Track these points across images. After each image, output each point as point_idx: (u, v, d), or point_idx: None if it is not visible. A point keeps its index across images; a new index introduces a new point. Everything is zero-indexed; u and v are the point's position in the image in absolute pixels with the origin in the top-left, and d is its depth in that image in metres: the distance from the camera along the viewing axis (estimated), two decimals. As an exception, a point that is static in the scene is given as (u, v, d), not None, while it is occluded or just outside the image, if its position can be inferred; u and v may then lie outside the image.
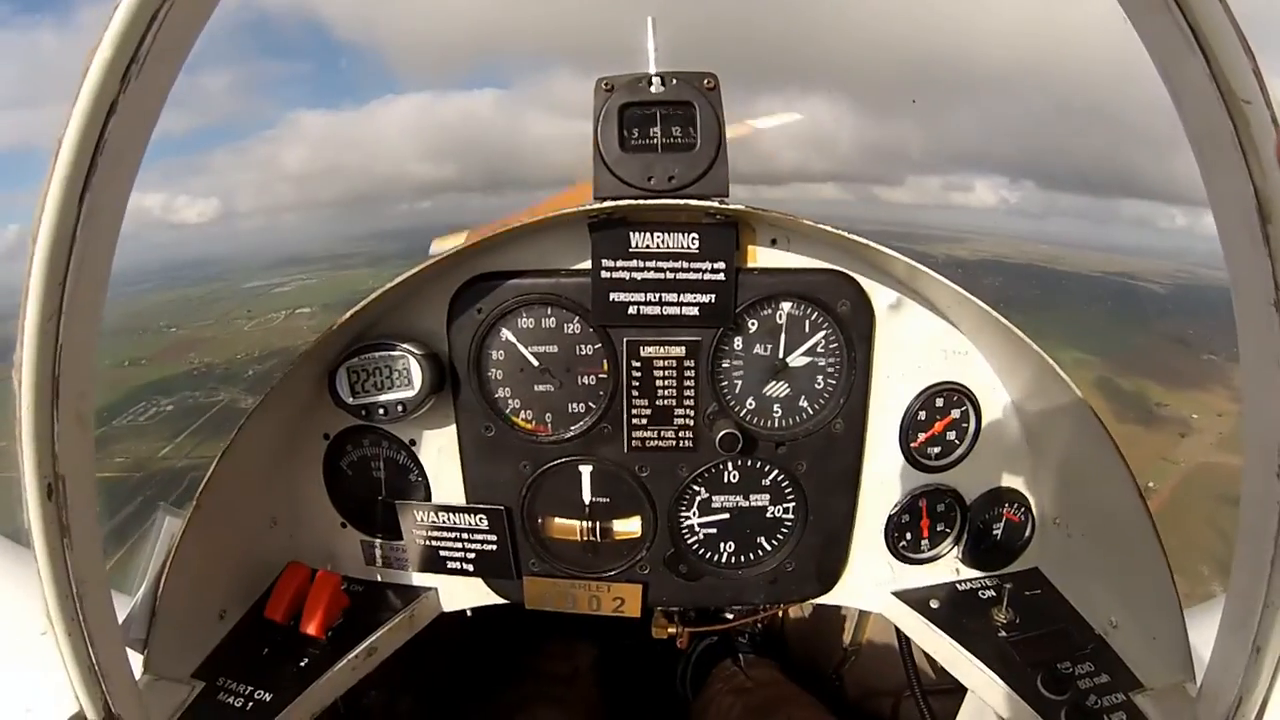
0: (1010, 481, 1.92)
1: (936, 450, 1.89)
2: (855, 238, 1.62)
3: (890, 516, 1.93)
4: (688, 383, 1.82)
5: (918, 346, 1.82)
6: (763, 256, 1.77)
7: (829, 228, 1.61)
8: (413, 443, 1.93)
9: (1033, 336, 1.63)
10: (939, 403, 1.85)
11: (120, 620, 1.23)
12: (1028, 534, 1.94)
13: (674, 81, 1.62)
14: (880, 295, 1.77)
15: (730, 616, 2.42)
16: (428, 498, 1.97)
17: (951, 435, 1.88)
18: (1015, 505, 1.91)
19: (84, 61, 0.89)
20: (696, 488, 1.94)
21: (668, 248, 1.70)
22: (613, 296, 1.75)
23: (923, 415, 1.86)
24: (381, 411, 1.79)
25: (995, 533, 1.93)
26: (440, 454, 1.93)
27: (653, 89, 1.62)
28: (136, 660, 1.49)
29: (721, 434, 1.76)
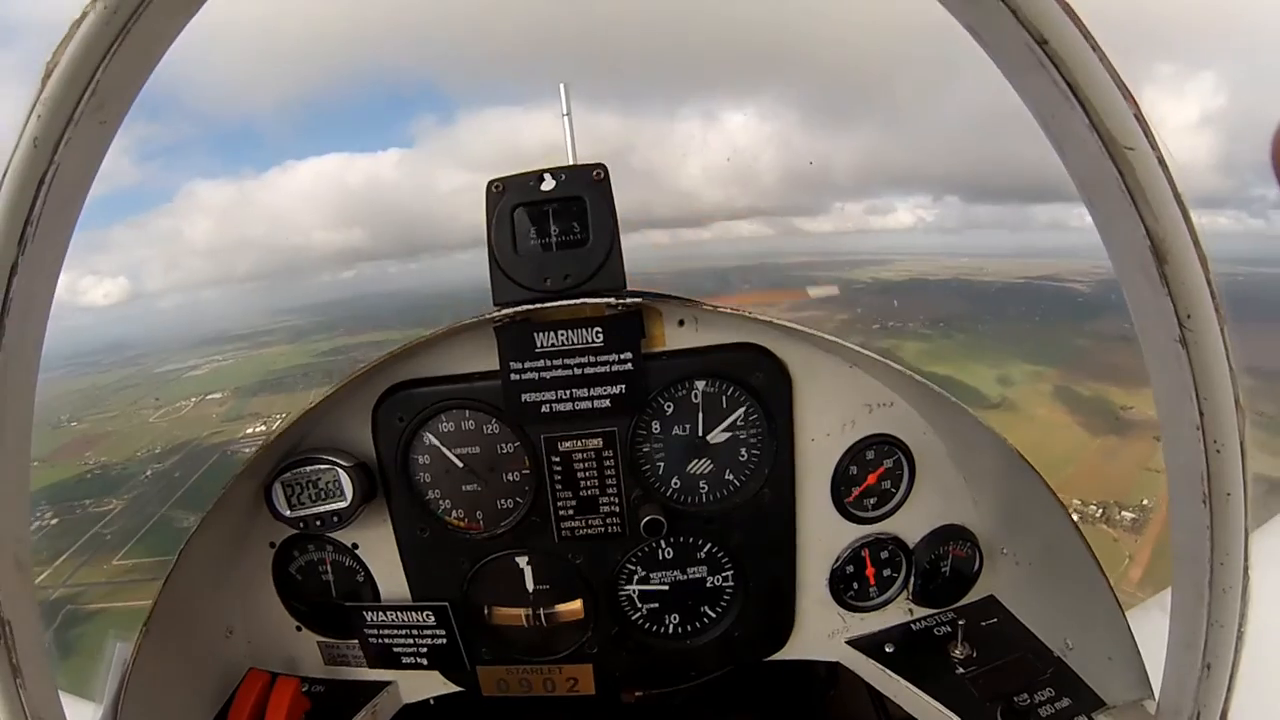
0: (952, 519, 1.93)
1: (873, 501, 1.90)
2: (760, 317, 1.64)
3: (833, 571, 1.92)
4: (609, 472, 1.81)
5: (840, 404, 1.82)
6: (671, 339, 1.76)
7: (730, 310, 1.63)
8: (355, 546, 1.92)
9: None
10: (870, 455, 1.85)
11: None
12: (976, 567, 1.95)
13: (563, 177, 1.61)
14: (796, 360, 1.77)
15: (693, 674, 2.37)
16: (376, 597, 1.96)
17: (886, 484, 1.88)
18: (961, 541, 1.92)
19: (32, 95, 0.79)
20: (632, 568, 1.93)
21: (572, 344, 1.69)
22: (524, 397, 1.73)
23: (854, 470, 1.86)
24: (318, 522, 1.79)
25: (944, 570, 1.94)
26: (383, 555, 1.92)
27: (543, 186, 1.61)
28: None
29: (645, 521, 1.75)
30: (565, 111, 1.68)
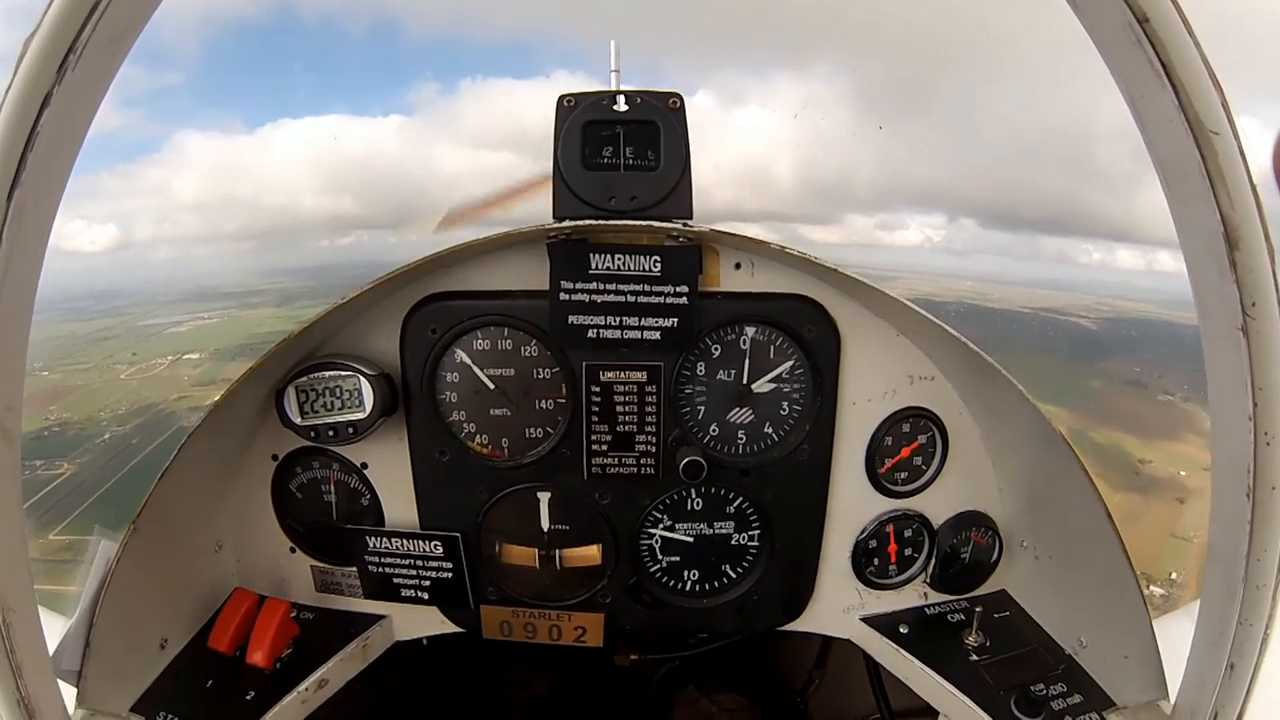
0: (977, 505, 1.93)
1: (903, 475, 1.89)
2: (821, 261, 1.62)
3: (857, 543, 1.92)
4: (649, 409, 1.78)
5: (884, 371, 1.82)
6: (727, 280, 1.74)
7: (794, 251, 1.61)
8: (365, 465, 1.85)
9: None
10: (905, 428, 1.85)
11: (51, 650, 1.15)
12: (995, 557, 1.95)
13: (639, 100, 1.60)
14: (846, 320, 1.77)
15: (691, 641, 2.36)
16: (380, 522, 1.89)
17: (918, 460, 1.88)
18: (982, 529, 1.92)
19: (19, 49, 0.82)
20: (658, 515, 1.89)
21: (629, 270, 1.67)
22: (572, 319, 1.70)
23: (889, 441, 1.85)
24: (331, 433, 1.72)
25: (963, 556, 1.94)
26: (393, 477, 1.85)
27: (616, 107, 1.60)
28: (69, 693, 1.41)
29: (685, 461, 1.72)
30: (614, 68, 1.67)
